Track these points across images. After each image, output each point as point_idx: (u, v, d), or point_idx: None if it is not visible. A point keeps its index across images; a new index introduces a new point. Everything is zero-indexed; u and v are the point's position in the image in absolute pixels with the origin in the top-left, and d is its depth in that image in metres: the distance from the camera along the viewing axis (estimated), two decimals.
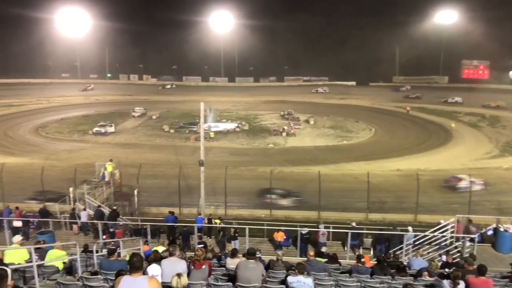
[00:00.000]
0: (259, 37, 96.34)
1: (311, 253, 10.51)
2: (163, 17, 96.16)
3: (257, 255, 9.32)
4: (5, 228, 18.33)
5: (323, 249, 14.88)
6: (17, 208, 21.46)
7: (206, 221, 20.47)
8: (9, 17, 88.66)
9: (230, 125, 55.31)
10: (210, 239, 19.32)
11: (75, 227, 20.88)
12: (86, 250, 12.46)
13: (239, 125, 55.54)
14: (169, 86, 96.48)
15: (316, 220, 23.03)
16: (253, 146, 46.80)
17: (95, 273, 8.35)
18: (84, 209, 21.45)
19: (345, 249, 17.55)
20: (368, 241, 18.39)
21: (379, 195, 27.31)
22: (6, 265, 4.90)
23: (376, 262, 12.21)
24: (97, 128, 51.09)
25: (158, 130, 53.57)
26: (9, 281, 4.32)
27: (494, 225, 17.07)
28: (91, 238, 19.07)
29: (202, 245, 14.49)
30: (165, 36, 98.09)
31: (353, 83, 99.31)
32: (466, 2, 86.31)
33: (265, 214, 25.33)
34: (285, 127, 52.65)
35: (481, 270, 7.94)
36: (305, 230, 17.89)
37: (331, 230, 18.81)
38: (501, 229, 16.36)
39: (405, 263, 12.44)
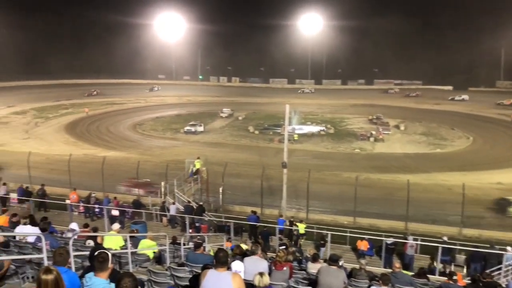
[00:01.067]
0: (348, 38, 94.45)
1: (397, 265, 10.06)
2: (253, 20, 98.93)
3: (339, 262, 9.10)
4: (105, 216, 20.06)
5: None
6: (115, 198, 23.47)
7: (288, 224, 20.51)
8: (114, 24, 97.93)
9: (315, 128, 54.78)
10: (290, 242, 19.28)
11: (164, 219, 22.17)
12: (174, 242, 13.13)
13: (324, 128, 54.81)
14: (156, 88, 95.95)
15: (403, 230, 21.87)
16: (338, 150, 45.81)
17: (181, 265, 8.74)
18: (173, 203, 22.68)
19: (434, 264, 16.44)
20: (461, 258, 17.09)
21: (476, 209, 25.16)
22: (106, 249, 5.33)
23: (470, 281, 11.27)
24: (188, 127, 53.76)
25: (244, 131, 54.91)
26: (110, 264, 4.70)
27: None
28: (178, 231, 20.11)
29: (284, 247, 14.48)
30: (254, 39, 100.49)
31: (450, 87, 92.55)
32: None
33: (348, 221, 24.67)
34: (373, 132, 50.85)
35: None
36: (390, 240, 17.15)
37: (419, 242, 17.76)
38: None
39: (503, 285, 11.31)
